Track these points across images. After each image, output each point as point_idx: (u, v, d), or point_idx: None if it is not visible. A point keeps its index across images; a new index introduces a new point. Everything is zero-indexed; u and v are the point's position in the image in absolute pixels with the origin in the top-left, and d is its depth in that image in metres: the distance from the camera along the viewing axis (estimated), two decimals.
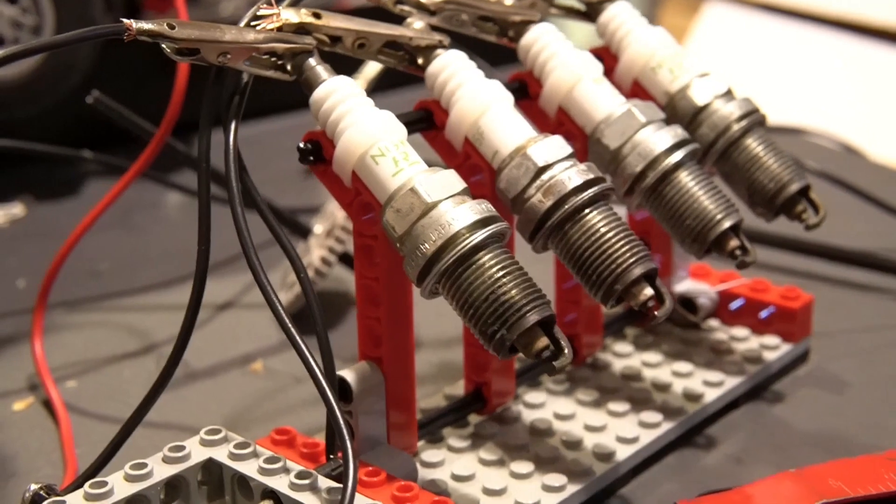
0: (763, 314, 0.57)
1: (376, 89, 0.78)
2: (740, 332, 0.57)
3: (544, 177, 0.44)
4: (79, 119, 0.82)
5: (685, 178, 0.48)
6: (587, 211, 0.44)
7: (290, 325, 0.41)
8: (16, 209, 0.79)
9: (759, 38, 1.48)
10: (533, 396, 0.52)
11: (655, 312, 0.44)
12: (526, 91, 0.51)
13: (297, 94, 0.45)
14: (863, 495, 0.43)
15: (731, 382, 0.53)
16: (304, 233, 0.66)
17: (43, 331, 0.58)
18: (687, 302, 0.58)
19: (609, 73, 0.53)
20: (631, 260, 0.44)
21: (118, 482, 0.42)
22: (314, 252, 0.62)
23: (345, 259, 0.62)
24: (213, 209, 0.43)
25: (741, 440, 0.51)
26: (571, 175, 0.44)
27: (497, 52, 0.56)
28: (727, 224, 0.48)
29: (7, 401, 0.56)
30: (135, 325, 0.64)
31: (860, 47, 1.45)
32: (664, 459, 0.50)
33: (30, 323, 0.58)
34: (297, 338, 0.41)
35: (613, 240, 0.44)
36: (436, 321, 0.59)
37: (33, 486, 0.42)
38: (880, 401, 0.54)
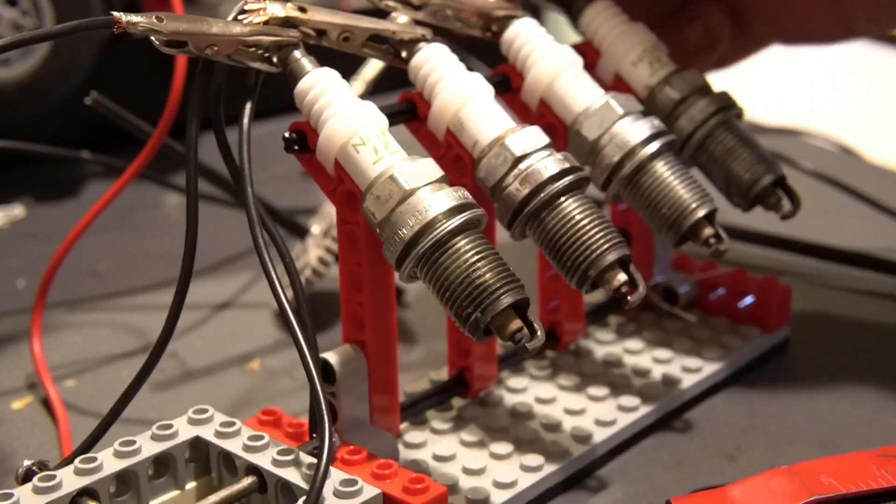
0: (742, 304, 0.58)
1: (375, 91, 0.79)
2: (719, 321, 0.58)
3: (521, 166, 0.46)
4: (79, 120, 0.82)
5: (661, 168, 0.49)
6: (563, 199, 0.45)
7: (283, 300, 0.42)
8: (16, 210, 0.80)
9: None
10: (515, 381, 0.53)
11: (628, 297, 0.45)
12: (509, 84, 0.52)
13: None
14: (854, 491, 0.44)
15: (709, 369, 0.54)
16: (302, 233, 0.66)
17: (42, 330, 0.58)
18: (668, 291, 0.59)
19: (592, 67, 0.54)
20: (605, 246, 0.45)
21: (108, 458, 0.43)
22: (311, 252, 0.63)
23: None
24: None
25: (733, 437, 0.52)
26: (548, 164, 0.45)
27: (492, 49, 0.57)
28: (701, 213, 0.49)
29: (6, 399, 0.57)
30: (134, 324, 0.65)
31: (859, 49, 1.45)
32: (650, 446, 0.51)
33: (29, 322, 0.59)
34: (289, 312, 0.42)
35: (588, 226, 0.45)
36: (432, 309, 0.59)
37: (26, 463, 0.44)
38: (873, 398, 0.55)
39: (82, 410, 0.56)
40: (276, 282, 0.43)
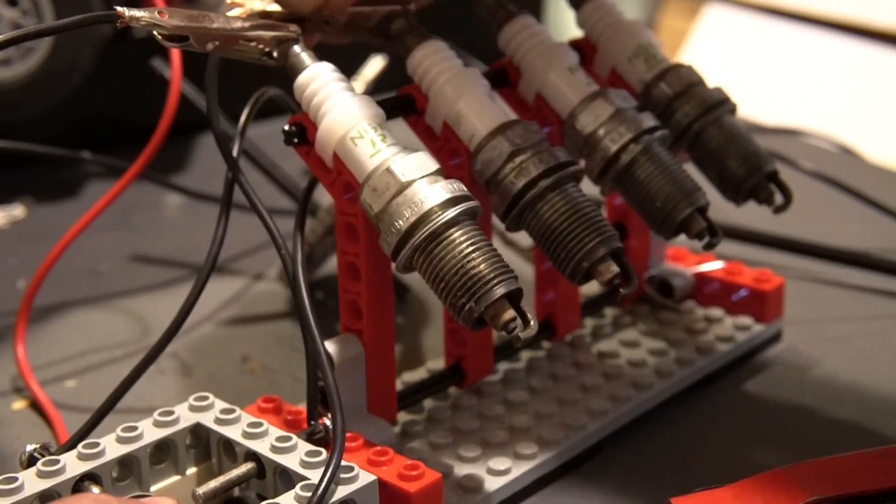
0: (736, 296, 0.59)
1: (375, 91, 0.79)
2: (715, 313, 0.59)
3: (517, 159, 0.47)
4: (79, 120, 0.82)
5: (655, 161, 0.50)
6: (557, 191, 0.46)
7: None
8: (16, 210, 0.79)
9: (759, 41, 1.49)
10: (511, 371, 0.54)
11: (621, 289, 0.46)
12: (507, 79, 0.53)
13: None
14: (854, 492, 0.44)
15: (702, 361, 0.55)
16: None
17: (27, 331, 0.58)
18: (663, 284, 0.60)
19: (590, 62, 0.55)
20: (598, 238, 0.46)
21: (110, 444, 0.44)
22: None
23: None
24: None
25: (733, 437, 0.52)
26: (543, 158, 0.46)
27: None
28: (694, 206, 0.50)
29: (6, 400, 0.57)
30: (134, 325, 0.65)
31: (859, 49, 1.46)
32: (650, 444, 0.52)
33: (28, 323, 0.59)
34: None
35: (582, 218, 0.46)
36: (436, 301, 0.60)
37: (29, 447, 0.45)
38: (874, 399, 0.55)
39: (83, 410, 0.56)
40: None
